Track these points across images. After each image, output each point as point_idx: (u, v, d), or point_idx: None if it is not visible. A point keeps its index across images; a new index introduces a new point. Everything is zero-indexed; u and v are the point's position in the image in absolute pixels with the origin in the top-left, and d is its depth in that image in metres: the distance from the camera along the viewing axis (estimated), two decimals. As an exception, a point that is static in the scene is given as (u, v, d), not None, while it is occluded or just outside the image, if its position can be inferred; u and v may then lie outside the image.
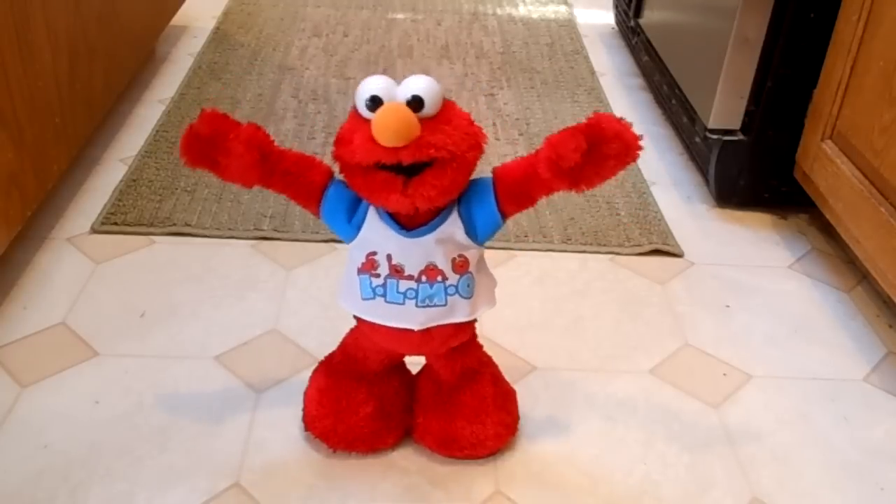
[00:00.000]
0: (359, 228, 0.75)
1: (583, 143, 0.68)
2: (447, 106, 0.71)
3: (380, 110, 0.68)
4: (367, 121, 0.69)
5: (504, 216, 0.75)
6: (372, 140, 0.68)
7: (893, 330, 1.10)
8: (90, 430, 0.88)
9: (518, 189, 0.74)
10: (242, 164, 0.72)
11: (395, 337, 0.79)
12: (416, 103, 0.68)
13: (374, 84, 0.69)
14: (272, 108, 1.58)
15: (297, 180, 0.75)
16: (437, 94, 0.69)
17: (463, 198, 0.75)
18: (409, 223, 0.74)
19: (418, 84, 0.69)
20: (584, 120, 0.70)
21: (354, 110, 0.71)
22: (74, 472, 0.84)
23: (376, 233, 0.75)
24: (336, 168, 0.75)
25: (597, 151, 0.69)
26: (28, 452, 0.85)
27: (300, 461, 0.86)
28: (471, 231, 0.75)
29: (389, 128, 0.67)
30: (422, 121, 0.68)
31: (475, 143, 0.72)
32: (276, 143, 0.75)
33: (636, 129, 0.70)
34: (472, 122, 0.72)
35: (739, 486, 0.86)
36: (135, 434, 0.88)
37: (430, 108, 0.69)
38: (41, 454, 0.85)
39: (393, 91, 0.69)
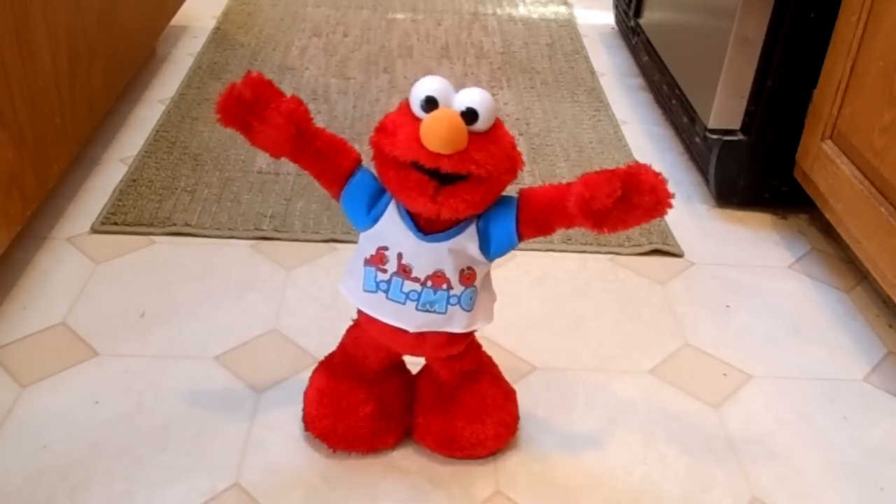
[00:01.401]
0: (375, 220, 0.75)
1: (619, 189, 0.68)
2: (497, 125, 0.71)
3: (434, 114, 0.67)
4: (417, 118, 0.68)
5: (520, 238, 0.75)
6: (416, 139, 0.68)
7: (893, 330, 1.10)
8: (90, 430, 0.88)
9: (540, 216, 0.74)
10: (278, 136, 0.72)
11: (389, 333, 0.79)
12: (470, 116, 0.68)
13: (433, 85, 0.69)
14: (272, 108, 1.58)
15: (326, 161, 0.75)
16: (492, 110, 0.69)
17: (483, 213, 0.74)
18: (426, 226, 0.74)
19: (475, 97, 0.68)
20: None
21: (405, 103, 0.71)
22: (74, 472, 0.84)
23: (392, 229, 0.74)
24: (367, 156, 0.74)
25: (628, 200, 0.69)
26: (28, 452, 0.85)
27: (300, 461, 0.86)
28: (484, 246, 0.75)
29: (440, 135, 0.66)
30: (470, 134, 0.68)
31: (512, 167, 0.71)
32: (313, 121, 0.74)
33: (668, 181, 0.70)
34: (514, 146, 0.72)
35: (739, 486, 0.86)
36: (135, 434, 0.88)
37: (482, 124, 0.69)
38: (41, 454, 0.85)
39: (450, 97, 0.69)
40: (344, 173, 0.76)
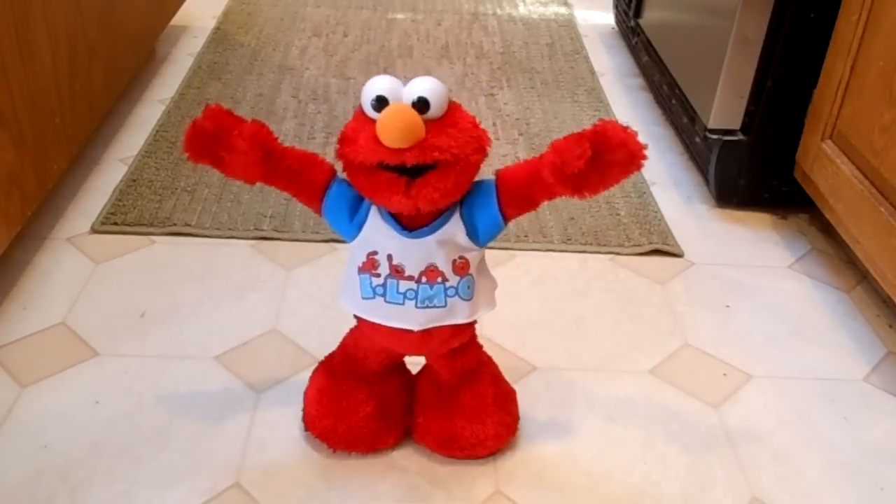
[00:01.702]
0: (360, 227, 0.75)
1: (588, 150, 0.68)
2: (452, 108, 0.71)
3: (385, 111, 0.68)
4: (373, 120, 0.69)
5: (506, 219, 0.75)
6: (376, 140, 0.68)
7: (893, 330, 1.10)
8: (90, 430, 0.88)
9: (521, 192, 0.74)
10: (245, 161, 0.72)
11: (394, 337, 0.79)
12: (421, 105, 0.68)
13: (380, 84, 0.69)
14: (272, 108, 1.58)
15: (300, 178, 0.75)
16: (442, 96, 0.69)
17: (465, 200, 0.75)
18: (410, 224, 0.74)
19: (424, 85, 0.69)
20: (588, 124, 0.70)
21: (360, 109, 0.71)
22: (74, 472, 0.84)
23: (377, 232, 0.75)
24: (339, 166, 0.75)
25: (601, 159, 0.69)
26: (28, 452, 0.85)
27: (300, 461, 0.86)
28: (472, 233, 0.75)
29: (395, 129, 0.67)
30: (427, 122, 0.68)
31: (479, 147, 0.71)
32: (279, 141, 0.75)
33: (638, 133, 0.70)
34: (476, 125, 0.72)
35: (739, 486, 0.86)
36: (135, 434, 0.88)
37: (435, 110, 0.69)
38: (41, 454, 0.85)
39: (399, 92, 0.69)
40: (320, 186, 0.76)
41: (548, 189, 0.73)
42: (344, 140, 0.72)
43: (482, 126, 0.73)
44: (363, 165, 0.70)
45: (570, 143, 0.69)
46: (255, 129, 0.72)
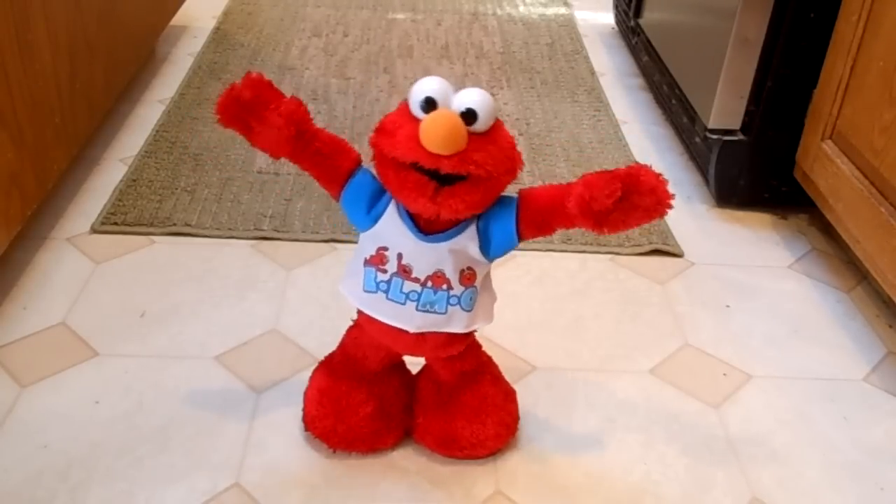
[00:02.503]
0: (375, 221, 0.75)
1: (619, 190, 0.69)
2: (496, 125, 0.71)
3: (433, 114, 0.67)
4: (416, 119, 0.68)
5: (520, 238, 0.75)
6: (416, 139, 0.68)
7: (893, 330, 1.10)
8: (90, 430, 0.88)
9: (541, 216, 0.74)
10: (278, 137, 0.72)
11: (389, 333, 0.79)
12: (469, 116, 0.68)
13: (431, 85, 0.69)
14: (272, 108, 1.58)
15: (326, 161, 0.75)
16: (491, 111, 0.69)
17: (483, 213, 0.74)
18: (426, 227, 0.74)
19: (475, 97, 0.68)
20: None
21: (405, 104, 0.71)
22: (74, 472, 0.84)
23: (392, 229, 0.74)
24: (366, 156, 0.74)
25: (628, 200, 0.69)
26: (28, 452, 0.85)
27: (300, 461, 0.86)
28: (485, 246, 0.75)
29: (439, 135, 0.66)
30: (470, 135, 0.68)
31: (512, 168, 0.71)
32: (312, 122, 0.74)
33: (669, 182, 0.70)
34: (514, 147, 0.72)
35: (739, 486, 0.86)
36: (135, 434, 0.88)
37: (481, 125, 0.69)
38: (41, 454, 0.85)
39: (449, 97, 0.69)
40: (344, 174, 0.76)
41: (569, 219, 0.73)
42: (382, 131, 0.71)
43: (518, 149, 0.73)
44: (396, 161, 0.69)
45: (603, 180, 0.69)
46: (294, 106, 0.72)
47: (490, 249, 0.75)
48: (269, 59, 1.78)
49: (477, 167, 0.68)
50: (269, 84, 0.72)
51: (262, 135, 0.73)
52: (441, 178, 0.69)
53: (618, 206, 0.69)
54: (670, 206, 0.70)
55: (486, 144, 0.69)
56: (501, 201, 0.75)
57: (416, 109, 0.69)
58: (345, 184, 0.76)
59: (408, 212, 0.74)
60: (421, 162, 0.68)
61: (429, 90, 0.68)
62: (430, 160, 0.68)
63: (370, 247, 0.76)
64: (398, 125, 0.70)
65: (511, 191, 0.75)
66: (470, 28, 2.01)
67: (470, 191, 0.70)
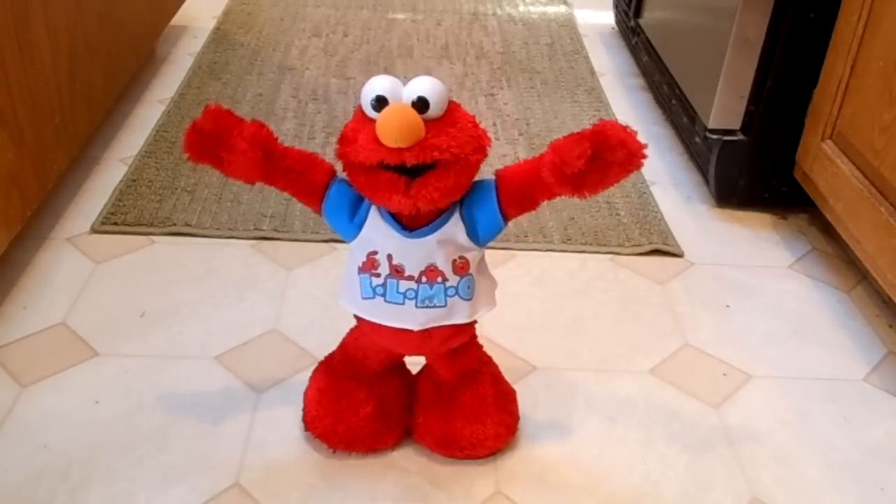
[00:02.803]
0: (360, 227, 0.75)
1: (587, 149, 0.69)
2: (452, 107, 0.71)
3: (385, 111, 0.68)
4: (372, 120, 0.69)
5: (506, 218, 0.75)
6: (376, 140, 0.68)
7: (893, 330, 1.10)
8: (90, 430, 0.88)
9: (521, 192, 0.74)
10: (245, 162, 0.72)
11: (394, 337, 0.79)
12: (421, 105, 0.68)
13: (379, 84, 0.69)
14: (272, 108, 1.58)
15: (300, 178, 0.75)
16: (442, 95, 0.69)
17: (465, 199, 0.75)
18: (410, 223, 0.74)
19: (423, 85, 0.69)
20: (588, 124, 0.70)
21: (359, 109, 0.71)
22: (74, 472, 0.84)
23: (377, 232, 0.75)
24: (339, 166, 0.75)
25: (601, 158, 0.69)
26: (28, 452, 0.85)
27: (300, 461, 0.86)
28: (472, 232, 0.75)
29: (394, 129, 0.67)
30: (427, 122, 0.68)
31: (479, 146, 0.71)
32: (278, 141, 0.75)
33: (638, 132, 0.70)
34: (476, 125, 0.72)
35: (739, 486, 0.86)
36: (135, 434, 0.88)
37: (435, 110, 0.69)
38: (41, 454, 0.85)
39: (398, 91, 0.69)
40: (320, 186, 0.76)
41: (547, 189, 0.73)
42: (343, 140, 0.72)
43: (482, 126, 0.73)
44: (363, 165, 0.70)
45: (570, 143, 0.70)
46: (255, 129, 0.72)
47: (479, 234, 0.75)
48: (269, 59, 1.78)
49: (441, 152, 0.68)
50: (229, 112, 0.73)
51: (232, 163, 0.73)
52: (410, 171, 0.69)
53: (591, 167, 0.69)
54: (644, 157, 0.70)
55: (446, 128, 0.69)
56: (480, 185, 0.75)
57: (369, 111, 0.69)
58: (323, 197, 0.76)
59: (389, 212, 0.74)
60: (385, 160, 0.68)
61: (378, 89, 0.69)
62: (392, 156, 0.68)
63: (360, 254, 0.76)
64: (357, 130, 0.70)
65: (486, 174, 0.75)
66: (470, 28, 2.01)
67: (441, 177, 0.70)
